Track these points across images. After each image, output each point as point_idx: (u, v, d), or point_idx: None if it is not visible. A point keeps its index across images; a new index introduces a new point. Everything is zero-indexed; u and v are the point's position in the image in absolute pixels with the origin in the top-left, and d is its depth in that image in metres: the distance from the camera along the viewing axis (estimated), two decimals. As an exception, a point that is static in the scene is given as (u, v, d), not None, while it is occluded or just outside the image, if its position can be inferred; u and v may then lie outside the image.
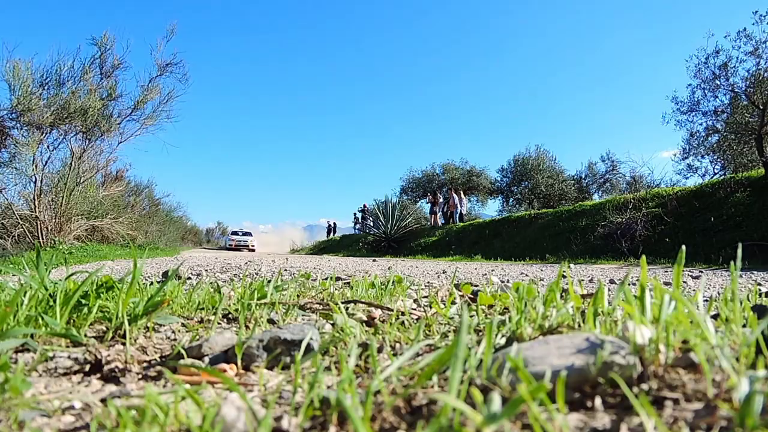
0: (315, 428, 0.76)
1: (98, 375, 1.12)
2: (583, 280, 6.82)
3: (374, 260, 17.03)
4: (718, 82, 20.05)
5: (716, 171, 23.65)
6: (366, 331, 1.61)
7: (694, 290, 4.67)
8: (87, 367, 1.17)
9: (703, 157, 23.81)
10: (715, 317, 1.46)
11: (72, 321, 1.51)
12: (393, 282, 2.67)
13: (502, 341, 1.18)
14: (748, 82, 18.77)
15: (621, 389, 0.77)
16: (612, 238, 16.39)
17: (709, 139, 22.69)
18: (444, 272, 8.51)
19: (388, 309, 1.94)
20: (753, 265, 9.97)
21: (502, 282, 5.39)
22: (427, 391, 0.85)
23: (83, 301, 1.53)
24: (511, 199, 37.35)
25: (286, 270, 8.29)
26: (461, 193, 30.38)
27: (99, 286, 1.61)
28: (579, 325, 1.27)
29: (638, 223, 16.28)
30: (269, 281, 2.42)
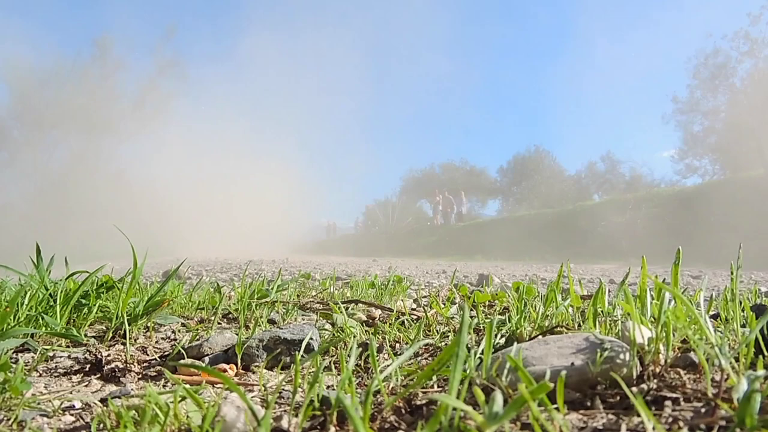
0: (315, 428, 0.76)
1: (98, 375, 1.12)
2: (583, 279, 6.83)
3: (374, 260, 17.03)
4: (717, 82, 20.08)
5: (715, 171, 23.67)
6: (366, 330, 1.61)
7: (694, 290, 4.67)
8: (87, 367, 1.17)
9: (702, 157, 23.84)
10: (715, 317, 1.46)
11: (72, 321, 1.51)
12: (393, 282, 2.68)
13: (502, 341, 1.18)
14: (746, 82, 18.79)
15: (621, 389, 0.77)
16: (612, 238, 16.39)
17: (708, 139, 22.72)
18: (444, 272, 8.52)
19: (388, 309, 1.94)
20: (753, 265, 9.98)
21: (502, 282, 5.39)
22: (427, 390, 0.86)
23: (83, 301, 1.53)
24: (511, 199, 37.41)
25: (286, 270, 8.30)
26: (461, 193, 30.38)
27: (99, 286, 1.61)
28: (579, 325, 1.27)
29: (638, 223, 16.30)
30: (269, 281, 2.42)
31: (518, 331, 1.22)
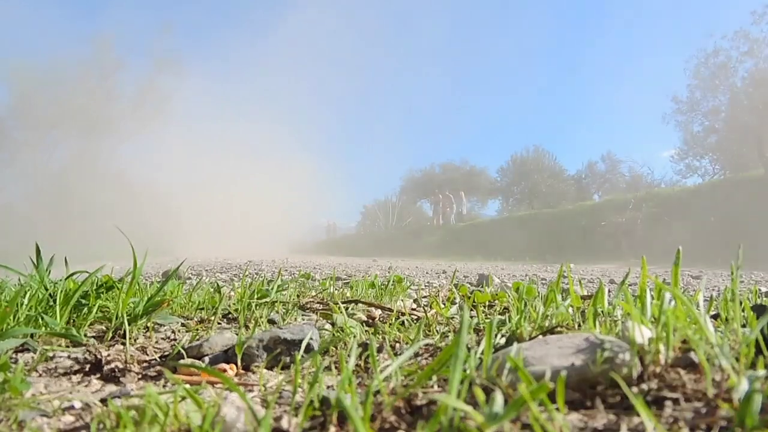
0: (315, 428, 0.76)
1: (98, 375, 1.12)
2: (583, 279, 6.83)
3: (374, 260, 17.03)
4: (717, 82, 20.07)
5: (715, 171, 23.66)
6: (366, 331, 1.61)
7: (694, 290, 4.67)
8: (87, 367, 1.17)
9: (702, 157, 23.82)
10: (715, 317, 1.46)
11: (72, 321, 1.51)
12: (393, 282, 2.67)
13: (502, 341, 1.18)
14: (747, 82, 18.79)
15: (621, 389, 0.77)
16: (612, 238, 16.40)
17: (708, 139, 22.70)
18: (444, 272, 8.52)
19: (388, 309, 1.94)
20: (753, 265, 9.98)
21: (502, 282, 5.39)
22: (427, 391, 0.86)
23: (83, 301, 1.53)
24: (511, 199, 37.41)
25: (286, 270, 8.30)
26: (461, 193, 30.36)
27: (99, 286, 1.61)
28: (579, 325, 1.27)
29: (638, 223, 16.30)
30: (269, 281, 2.42)
31: (518, 331, 1.22)
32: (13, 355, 1.27)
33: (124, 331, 1.37)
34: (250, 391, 1.01)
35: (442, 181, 38.97)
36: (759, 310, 1.34)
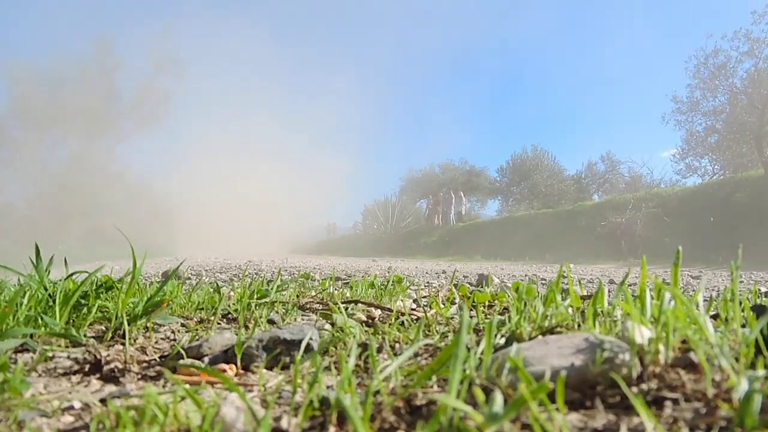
0: (314, 428, 0.76)
1: (98, 375, 1.12)
2: (583, 280, 6.83)
3: (374, 260, 17.03)
4: (717, 82, 20.07)
5: (715, 171, 23.64)
6: (366, 331, 1.61)
7: (694, 290, 4.67)
8: (86, 367, 1.17)
9: (702, 157, 23.80)
10: (714, 317, 1.46)
11: (71, 321, 1.51)
12: (392, 282, 2.67)
13: (502, 341, 1.18)
14: (746, 82, 18.79)
15: (621, 389, 0.77)
16: (612, 238, 16.40)
17: (709, 139, 22.69)
18: (444, 272, 8.52)
19: (388, 309, 1.94)
20: (753, 265, 9.98)
21: (502, 282, 5.39)
22: (427, 391, 0.85)
23: (83, 301, 1.53)
24: (511, 199, 37.39)
25: (285, 270, 8.31)
26: (461, 193, 30.34)
27: (98, 286, 1.61)
28: (579, 325, 1.27)
29: (638, 223, 16.30)
30: (269, 281, 2.42)
31: (518, 331, 1.22)
32: (13, 356, 1.27)
33: (124, 332, 1.37)
34: (250, 391, 1.01)
35: (442, 181, 38.94)
36: (759, 310, 1.34)
